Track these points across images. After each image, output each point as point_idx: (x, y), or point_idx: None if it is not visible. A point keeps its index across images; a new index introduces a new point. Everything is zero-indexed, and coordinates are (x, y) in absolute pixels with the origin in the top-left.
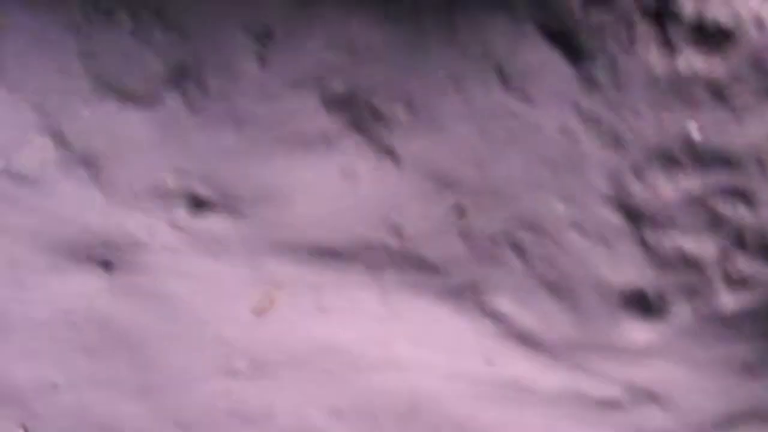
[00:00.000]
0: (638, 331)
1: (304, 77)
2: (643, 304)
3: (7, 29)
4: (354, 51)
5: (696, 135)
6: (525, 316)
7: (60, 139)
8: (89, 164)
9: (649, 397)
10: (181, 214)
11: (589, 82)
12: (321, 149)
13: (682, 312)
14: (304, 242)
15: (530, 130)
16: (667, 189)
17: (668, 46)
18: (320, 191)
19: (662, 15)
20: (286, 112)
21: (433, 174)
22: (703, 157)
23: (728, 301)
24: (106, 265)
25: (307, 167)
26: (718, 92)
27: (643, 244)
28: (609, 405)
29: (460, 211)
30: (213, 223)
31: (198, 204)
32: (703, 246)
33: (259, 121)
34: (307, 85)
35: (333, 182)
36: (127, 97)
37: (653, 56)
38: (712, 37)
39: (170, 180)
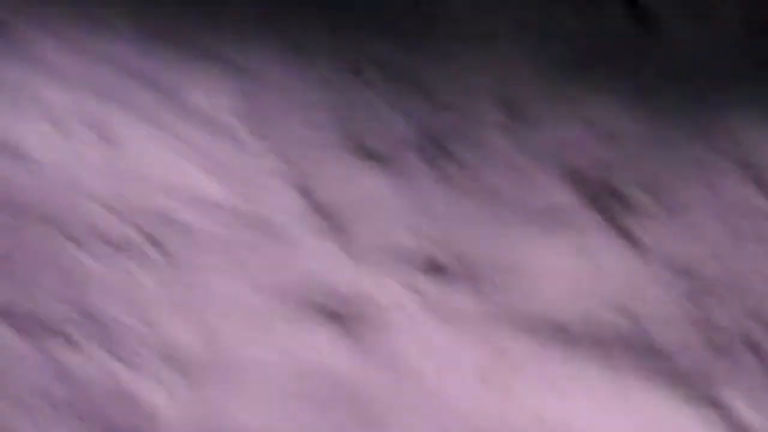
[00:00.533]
0: None
1: (548, 152)
2: None
3: (262, 83)
4: (598, 130)
5: None
6: (754, 414)
7: (304, 191)
8: (331, 218)
9: None
10: (419, 277)
11: None
12: (560, 226)
13: None
14: (541, 318)
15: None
16: None
17: None
18: (558, 269)
19: None
20: (528, 185)
21: (674, 262)
22: None
23: None
24: (341, 320)
25: (546, 243)
26: None
27: None
28: None
29: (697, 301)
30: (449, 288)
31: (436, 269)
32: None
33: (500, 192)
34: (550, 160)
35: (571, 261)
36: (372, 156)
37: None
38: None
39: (409, 242)
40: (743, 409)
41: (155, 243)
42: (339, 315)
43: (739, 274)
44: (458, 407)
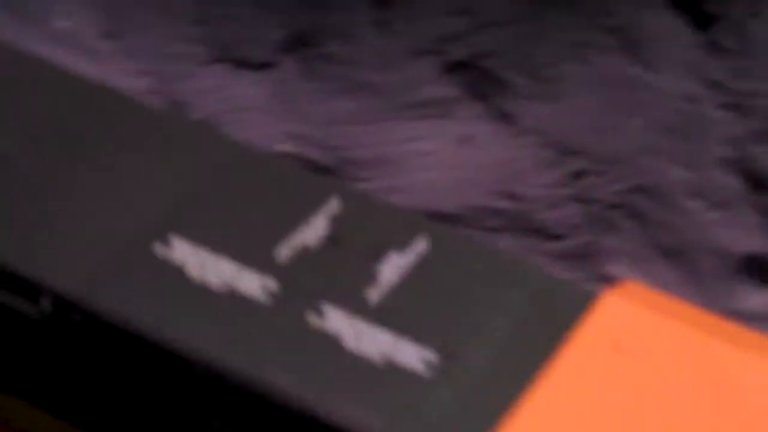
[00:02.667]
0: (756, 297)
1: (423, 44)
2: (759, 269)
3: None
4: (474, 17)
5: None
6: (644, 281)
7: (175, 107)
8: None
9: None
10: None
11: (715, 48)
12: (438, 116)
13: None
14: (419, 208)
15: (653, 96)
16: None
17: None
18: (437, 158)
19: None
20: (404, 79)
21: (552, 140)
22: None
23: None
24: None
25: (424, 134)
26: None
27: (764, 210)
28: None
29: (579, 177)
30: None
31: (314, 170)
32: None
33: (376, 89)
34: (425, 51)
35: (449, 149)
36: (244, 64)
37: None
38: None
39: (285, 145)
40: (628, 276)
41: None
42: None
43: (619, 148)
44: None
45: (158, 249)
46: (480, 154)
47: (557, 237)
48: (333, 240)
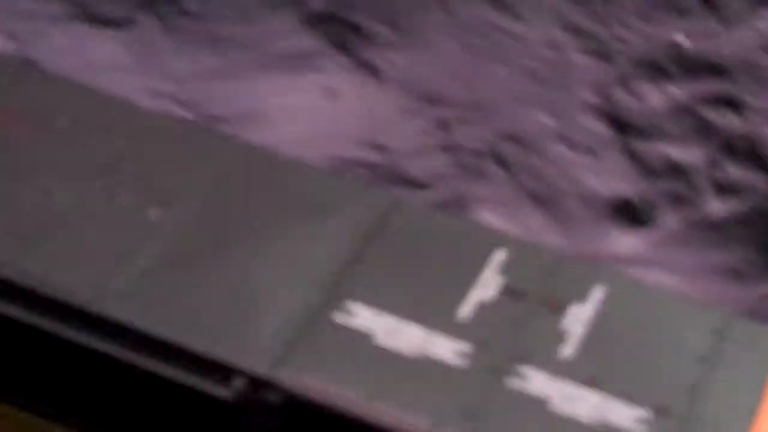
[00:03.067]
0: (626, 240)
1: None
2: (630, 213)
3: None
4: None
5: (684, 43)
6: (512, 229)
7: (30, 62)
8: None
9: None
10: None
11: None
12: (302, 69)
13: (669, 220)
14: None
15: (516, 44)
16: (655, 98)
17: None
18: (302, 111)
19: None
20: (264, 32)
21: (417, 90)
22: (690, 66)
23: (716, 208)
24: None
25: (288, 87)
26: (706, 0)
27: (630, 153)
28: None
29: (445, 126)
30: None
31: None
32: (690, 154)
33: (237, 43)
34: (285, 3)
35: (314, 101)
36: (104, 22)
37: None
38: None
39: (151, 104)
40: (499, 223)
41: None
42: None
43: (484, 96)
44: None
45: (339, 317)
46: (345, 106)
47: (425, 186)
48: (510, 294)
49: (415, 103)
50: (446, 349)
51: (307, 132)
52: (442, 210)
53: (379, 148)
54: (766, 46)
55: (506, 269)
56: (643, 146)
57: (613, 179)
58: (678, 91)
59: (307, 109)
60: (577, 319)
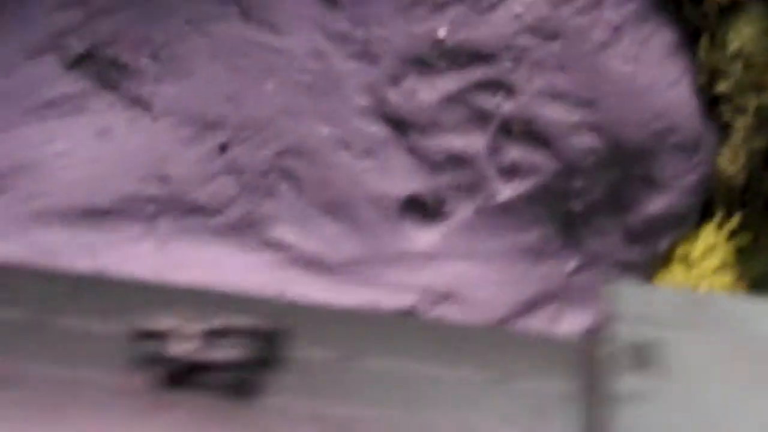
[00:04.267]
0: (423, 236)
1: (40, 41)
2: (421, 208)
3: None
4: (88, 6)
5: (445, 36)
6: (308, 242)
7: None
8: None
9: (444, 297)
10: None
11: (330, 1)
12: (72, 113)
13: (461, 209)
14: (69, 207)
15: (280, 58)
16: (426, 93)
17: None
18: (77, 155)
19: None
20: (27, 80)
21: (191, 117)
22: (455, 56)
23: (504, 190)
24: None
25: (60, 133)
26: None
27: (411, 150)
28: (407, 313)
29: (224, 149)
30: None
31: None
32: (471, 142)
33: (6, 93)
34: (44, 50)
35: (90, 143)
36: None
37: None
38: None
39: None
40: (294, 239)
41: None
42: None
43: (258, 114)
44: None
45: None
46: (121, 144)
47: (216, 212)
48: None
49: (192, 130)
50: None
51: (87, 175)
52: (236, 232)
53: (163, 179)
54: (525, 27)
55: None
56: (422, 141)
57: (399, 178)
58: (447, 83)
59: (84, 151)
60: None
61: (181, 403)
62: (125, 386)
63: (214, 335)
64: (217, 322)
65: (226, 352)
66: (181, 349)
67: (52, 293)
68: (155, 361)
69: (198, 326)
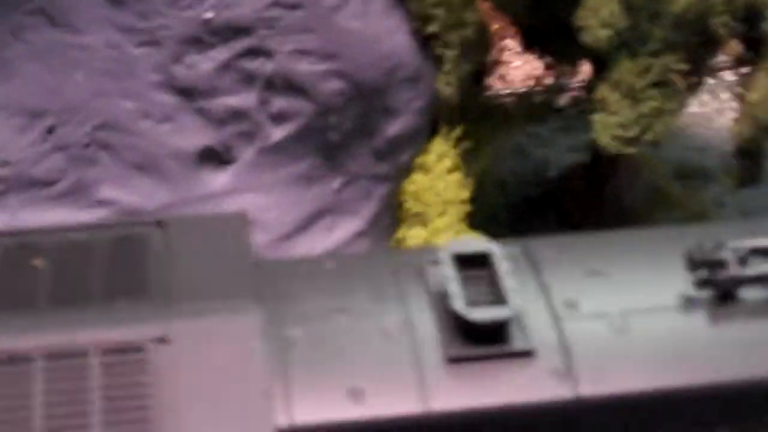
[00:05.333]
0: (218, 180)
1: None
2: (214, 157)
3: None
4: None
5: (212, 17)
6: (128, 196)
7: None
8: None
9: None
10: None
11: (117, 2)
12: None
13: (244, 153)
14: None
15: (85, 53)
16: (204, 64)
17: None
18: None
19: None
20: None
21: (21, 109)
22: (222, 32)
23: (276, 133)
24: None
25: None
26: None
27: (199, 111)
28: None
29: (52, 132)
30: None
31: None
32: (244, 99)
33: None
34: None
35: None
36: None
37: None
38: None
39: None
40: (117, 195)
41: None
42: None
43: (74, 100)
44: None
45: None
46: None
47: (52, 183)
48: None
49: (23, 120)
50: None
51: None
52: (70, 197)
53: (5, 163)
54: (273, 2)
55: None
56: (207, 104)
57: (193, 135)
58: (219, 54)
59: None
60: None
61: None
62: None
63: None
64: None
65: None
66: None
67: None
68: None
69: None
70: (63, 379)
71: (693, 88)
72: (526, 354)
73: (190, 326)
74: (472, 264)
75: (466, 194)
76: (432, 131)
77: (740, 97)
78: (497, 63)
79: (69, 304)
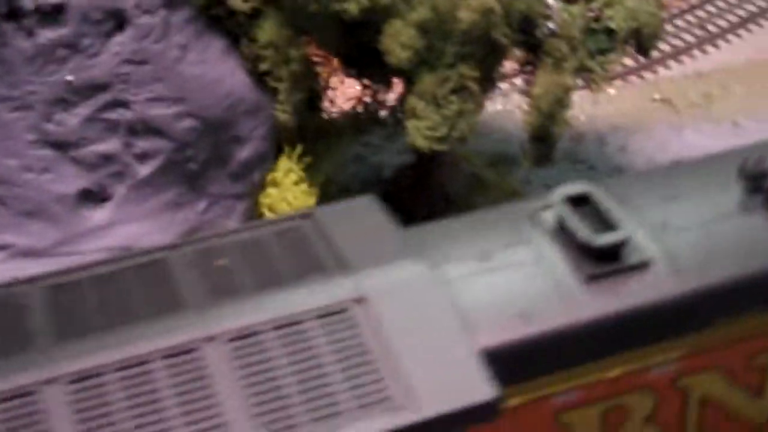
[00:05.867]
0: (97, 215)
1: None
2: (92, 196)
3: None
4: None
5: (73, 79)
6: (22, 239)
7: None
8: None
9: (125, 250)
10: None
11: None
12: None
13: (118, 190)
14: None
15: None
16: (71, 119)
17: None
18: None
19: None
20: None
21: None
22: (83, 90)
23: (142, 170)
24: None
25: None
26: None
27: (73, 160)
28: None
29: None
30: None
31: None
32: (111, 144)
33: None
34: None
35: None
36: None
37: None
38: None
39: None
40: (12, 240)
41: None
42: None
43: None
44: None
45: None
46: None
47: None
48: None
49: None
50: None
51: None
52: None
53: None
54: (124, 60)
55: None
56: (79, 153)
57: (71, 181)
58: (84, 110)
59: None
60: None
61: None
62: None
63: None
64: None
65: None
66: None
67: None
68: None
69: None
70: (295, 342)
71: (487, 90)
72: (644, 265)
73: (377, 286)
74: (576, 203)
75: (312, 201)
76: (278, 151)
77: (527, 93)
78: (326, 88)
79: (271, 286)
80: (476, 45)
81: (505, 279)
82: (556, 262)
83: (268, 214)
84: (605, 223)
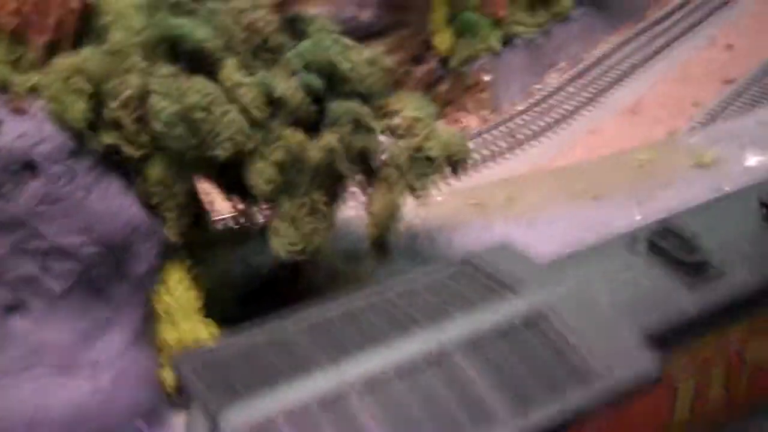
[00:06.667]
0: (22, 324)
1: None
2: (14, 310)
3: None
4: None
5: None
6: None
7: None
8: None
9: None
10: None
11: None
12: None
13: (38, 304)
14: None
15: None
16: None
17: None
18: None
19: None
20: None
21: None
22: (6, 226)
23: (57, 287)
24: None
25: None
26: None
27: (0, 282)
28: None
29: None
30: None
31: None
32: (26, 269)
33: None
34: None
35: None
36: None
37: None
38: None
39: None
40: None
41: None
42: None
43: None
44: None
45: None
46: None
47: None
48: None
49: None
50: None
51: None
52: None
53: None
54: (39, 201)
55: None
56: (5, 276)
57: None
58: (7, 241)
59: None
60: None
61: None
62: None
63: None
64: None
65: None
66: None
67: None
68: None
69: None
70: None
71: (335, 210)
72: (722, 274)
73: (550, 301)
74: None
75: (200, 303)
76: (170, 263)
77: (367, 209)
78: (209, 210)
79: (465, 309)
80: (324, 176)
81: (618, 293)
82: (650, 279)
83: (164, 317)
84: (687, 247)
